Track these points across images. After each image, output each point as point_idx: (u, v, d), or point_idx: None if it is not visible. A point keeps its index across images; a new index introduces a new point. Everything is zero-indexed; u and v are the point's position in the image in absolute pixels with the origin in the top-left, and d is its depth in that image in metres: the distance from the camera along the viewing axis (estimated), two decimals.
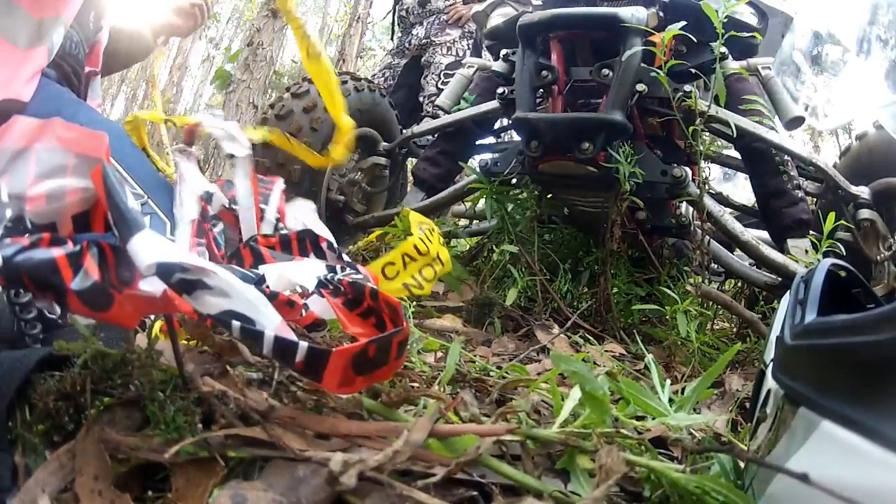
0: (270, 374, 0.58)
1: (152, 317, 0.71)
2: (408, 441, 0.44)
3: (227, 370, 0.54)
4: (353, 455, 0.42)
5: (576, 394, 0.55)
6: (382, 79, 3.32)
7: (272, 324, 0.49)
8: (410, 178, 2.16)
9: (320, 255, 0.75)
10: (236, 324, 0.46)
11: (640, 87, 1.39)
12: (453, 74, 2.86)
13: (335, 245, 0.77)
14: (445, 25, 3.22)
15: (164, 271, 0.44)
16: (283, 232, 0.82)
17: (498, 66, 1.75)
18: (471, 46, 3.23)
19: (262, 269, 0.66)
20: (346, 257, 0.77)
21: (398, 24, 3.44)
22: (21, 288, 0.57)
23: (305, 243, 0.77)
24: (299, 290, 0.68)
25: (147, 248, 0.45)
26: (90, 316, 0.45)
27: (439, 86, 3.04)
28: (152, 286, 0.46)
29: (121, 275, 0.46)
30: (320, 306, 0.68)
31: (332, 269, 0.69)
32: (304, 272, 0.66)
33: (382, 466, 0.42)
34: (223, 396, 0.49)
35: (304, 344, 0.47)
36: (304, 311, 0.67)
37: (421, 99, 3.18)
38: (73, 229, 0.60)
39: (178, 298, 0.46)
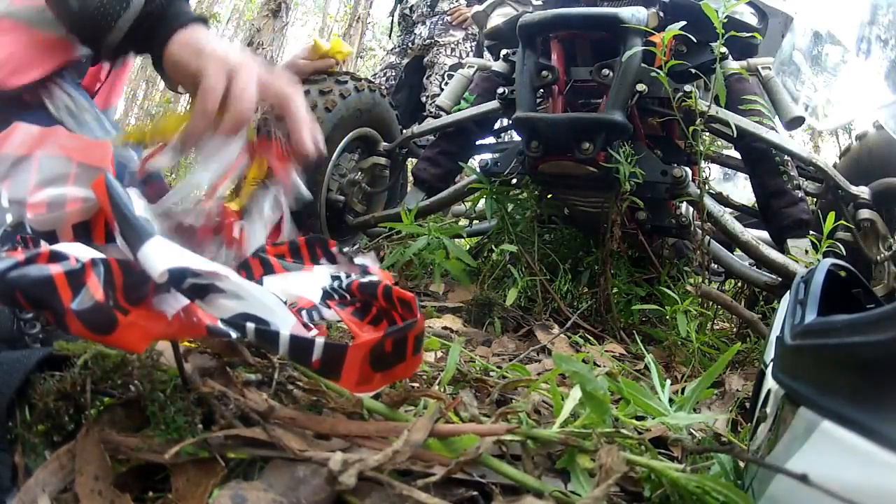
0: (270, 374, 0.58)
1: None
2: (408, 441, 0.44)
3: (227, 371, 0.54)
4: (352, 455, 0.42)
5: (576, 394, 0.55)
6: (384, 78, 3.31)
7: (287, 324, 0.49)
8: (409, 177, 2.16)
9: (331, 260, 0.75)
10: (251, 326, 0.46)
11: (641, 87, 1.39)
12: None
13: (345, 249, 0.76)
14: (449, 27, 3.22)
15: (176, 277, 0.44)
16: (292, 238, 0.81)
17: (498, 66, 1.75)
18: (473, 49, 3.23)
19: (265, 283, 0.66)
20: (362, 258, 0.75)
21: (399, 23, 3.44)
22: (16, 306, 0.54)
23: (315, 249, 0.76)
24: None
25: (159, 254, 0.44)
26: (92, 339, 0.43)
27: (442, 86, 3.03)
28: (167, 305, 0.45)
29: (130, 293, 0.44)
30: (328, 314, 0.67)
31: (336, 277, 0.68)
32: (307, 285, 0.66)
33: (382, 466, 0.42)
34: (223, 397, 0.49)
35: (320, 340, 0.46)
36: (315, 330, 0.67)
37: (423, 99, 3.18)
38: (74, 238, 0.59)
39: (193, 313, 0.45)
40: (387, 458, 0.42)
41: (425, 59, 3.25)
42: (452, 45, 3.19)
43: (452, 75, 2.97)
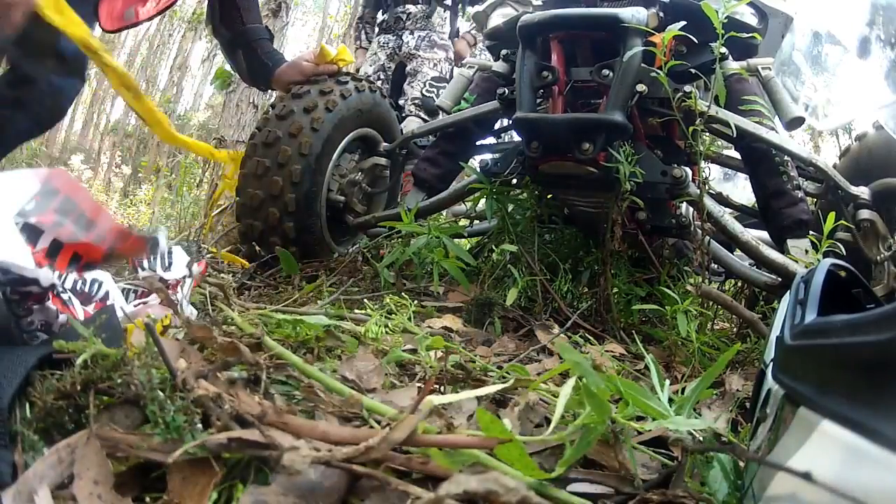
0: (257, 374, 0.58)
1: (154, 316, 0.71)
2: (384, 439, 0.44)
3: (217, 374, 0.54)
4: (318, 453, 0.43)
5: (566, 390, 0.54)
6: (379, 82, 3.42)
7: None
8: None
9: None
10: None
11: (641, 87, 1.39)
12: (439, 85, 3.12)
13: None
14: (434, 44, 3.42)
15: None
16: None
17: (498, 66, 1.75)
18: (451, 71, 3.42)
19: None
20: None
21: (387, 20, 3.53)
22: None
23: None
24: None
25: None
26: None
27: (424, 92, 3.26)
28: None
29: None
30: None
31: None
32: None
33: (352, 459, 0.43)
34: (218, 398, 0.48)
35: None
36: None
37: (402, 102, 3.34)
38: None
39: None
40: (357, 452, 0.43)
41: (408, 67, 3.42)
42: (435, 61, 3.41)
43: (434, 85, 3.23)
